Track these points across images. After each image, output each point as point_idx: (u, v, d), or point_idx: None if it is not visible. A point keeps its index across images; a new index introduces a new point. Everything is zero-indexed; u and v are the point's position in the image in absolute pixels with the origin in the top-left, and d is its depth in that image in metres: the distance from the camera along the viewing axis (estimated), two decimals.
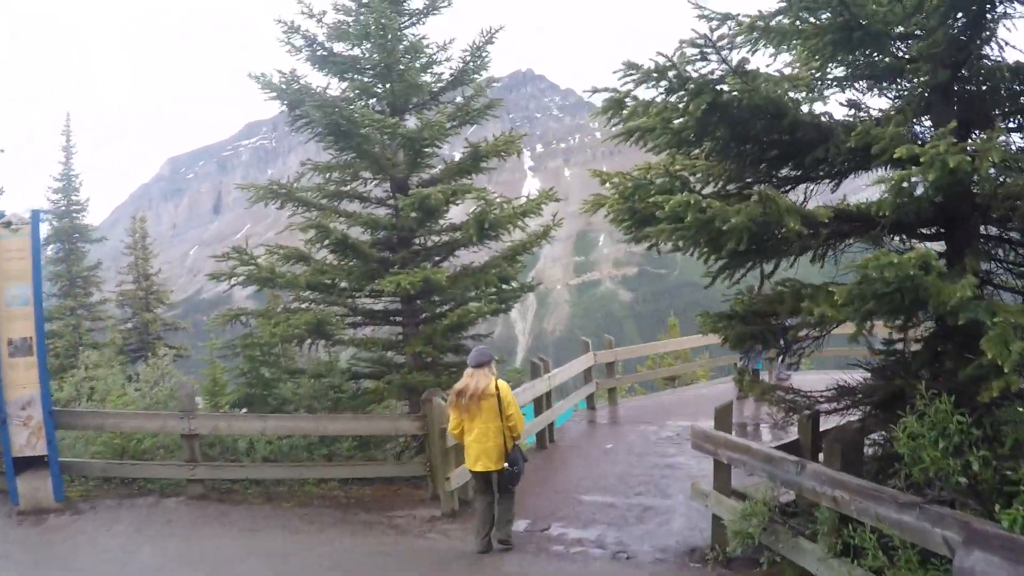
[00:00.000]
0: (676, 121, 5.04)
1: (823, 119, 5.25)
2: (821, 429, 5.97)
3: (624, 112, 5.18)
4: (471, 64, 10.07)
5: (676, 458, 9.44)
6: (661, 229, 4.98)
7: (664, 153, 5.72)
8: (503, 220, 8.68)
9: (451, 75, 10.23)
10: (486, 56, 10.15)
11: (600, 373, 13.29)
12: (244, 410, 10.60)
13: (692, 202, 4.60)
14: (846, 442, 4.98)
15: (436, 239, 10.22)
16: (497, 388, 6.22)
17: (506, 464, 6.19)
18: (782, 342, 6.11)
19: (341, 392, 10.79)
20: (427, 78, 10.38)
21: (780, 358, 13.56)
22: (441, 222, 10.13)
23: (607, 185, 6.00)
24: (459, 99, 10.33)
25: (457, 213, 10.74)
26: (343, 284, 9.82)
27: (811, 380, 13.31)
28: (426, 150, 9.56)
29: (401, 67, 9.68)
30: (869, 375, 6.15)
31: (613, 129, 5.58)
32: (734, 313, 5.98)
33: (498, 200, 8.51)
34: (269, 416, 9.04)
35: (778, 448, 5.99)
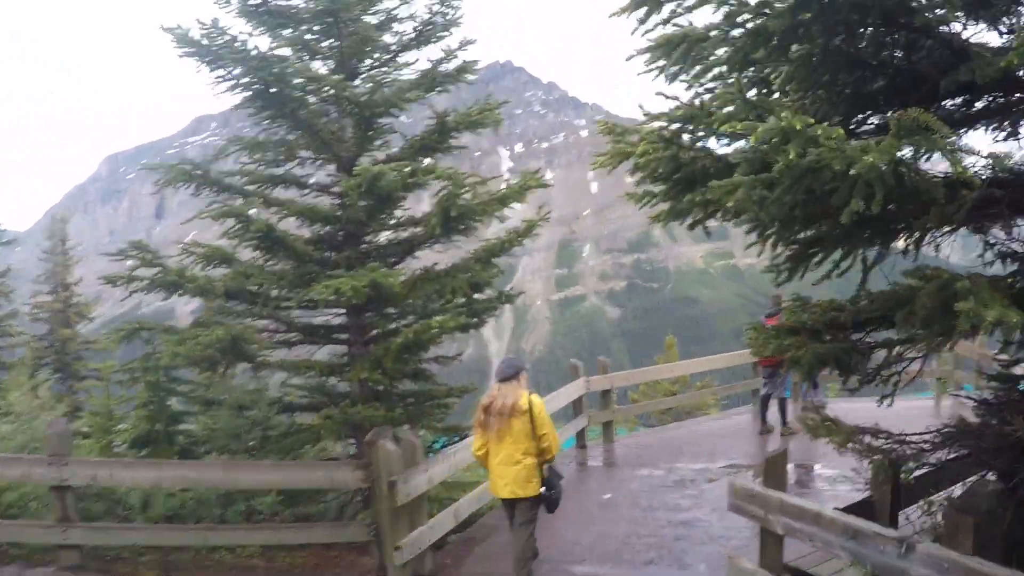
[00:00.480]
0: (746, 21, 3.70)
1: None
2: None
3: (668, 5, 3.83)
4: (439, 17, 8.75)
5: (692, 513, 8.17)
6: (725, 187, 3.61)
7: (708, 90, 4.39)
8: (476, 209, 7.30)
9: (414, 31, 8.90)
10: (457, 9, 8.86)
11: (592, 403, 11.95)
12: (144, 452, 9.22)
13: (798, 127, 3.16)
14: (980, 513, 3.72)
15: (392, 235, 8.88)
16: (530, 404, 5.83)
17: (543, 489, 5.88)
18: (869, 366, 4.86)
19: (270, 428, 9.42)
20: (387, 38, 9.08)
21: (806, 383, 12.34)
22: (399, 214, 8.80)
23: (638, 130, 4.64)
24: (425, 63, 9.02)
25: (422, 207, 9.40)
26: (274, 291, 8.41)
27: (866, 411, 12.37)
28: (380, 121, 8.24)
29: (351, 19, 8.35)
30: (982, 411, 4.88)
31: (646, 36, 4.22)
32: (802, 326, 4.67)
33: (469, 180, 7.12)
34: (165, 463, 7.61)
35: (844, 510, 4.74)
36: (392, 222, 8.68)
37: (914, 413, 12.00)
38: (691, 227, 4.95)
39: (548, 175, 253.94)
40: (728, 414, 14.37)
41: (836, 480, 8.67)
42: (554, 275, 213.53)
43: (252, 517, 8.24)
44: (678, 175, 4.29)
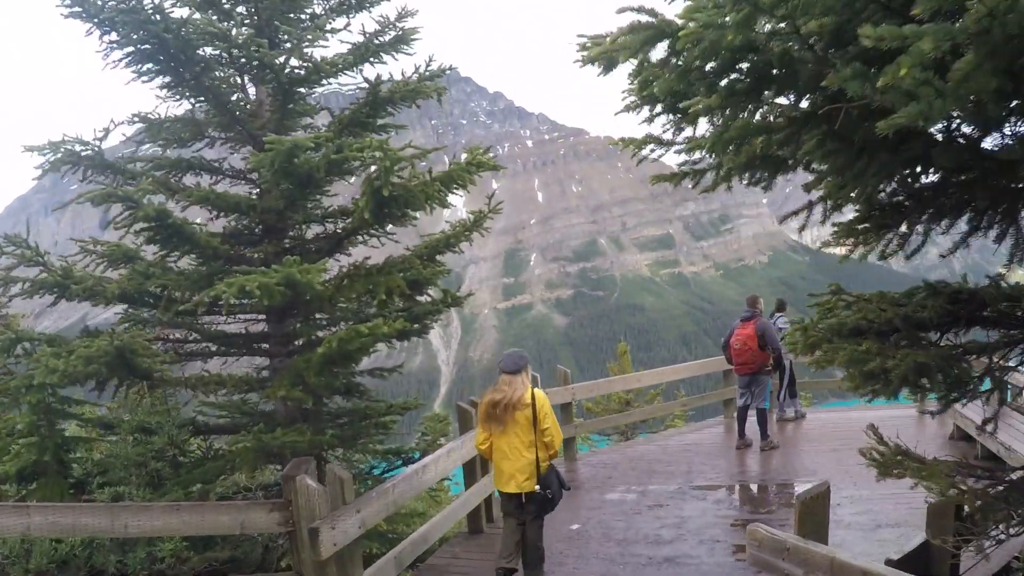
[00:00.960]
0: None
1: None
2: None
3: None
4: None
5: (676, 546, 6.90)
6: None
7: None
8: (415, 192, 6.01)
9: None
10: None
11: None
12: (32, 487, 7.77)
13: None
14: None
15: (320, 230, 7.58)
16: (533, 398, 5.82)
17: (538, 487, 5.76)
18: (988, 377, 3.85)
19: (183, 455, 8.02)
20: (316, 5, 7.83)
21: (781, 392, 11.25)
22: (327, 203, 7.54)
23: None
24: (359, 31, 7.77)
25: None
26: (177, 294, 7.03)
27: (847, 421, 11.45)
28: (300, 90, 6.97)
29: None
30: None
31: None
32: (868, 326, 3.56)
33: (406, 153, 5.83)
34: (35, 507, 6.15)
35: (901, 564, 3.67)
36: (318, 212, 7.41)
37: (901, 423, 10.83)
38: (748, 172, 3.68)
39: (493, 185, 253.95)
40: (699, 427, 12.78)
41: (833, 504, 7.61)
42: (501, 284, 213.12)
43: (156, 567, 6.86)
44: (751, 63, 2.91)
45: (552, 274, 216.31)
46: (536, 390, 5.84)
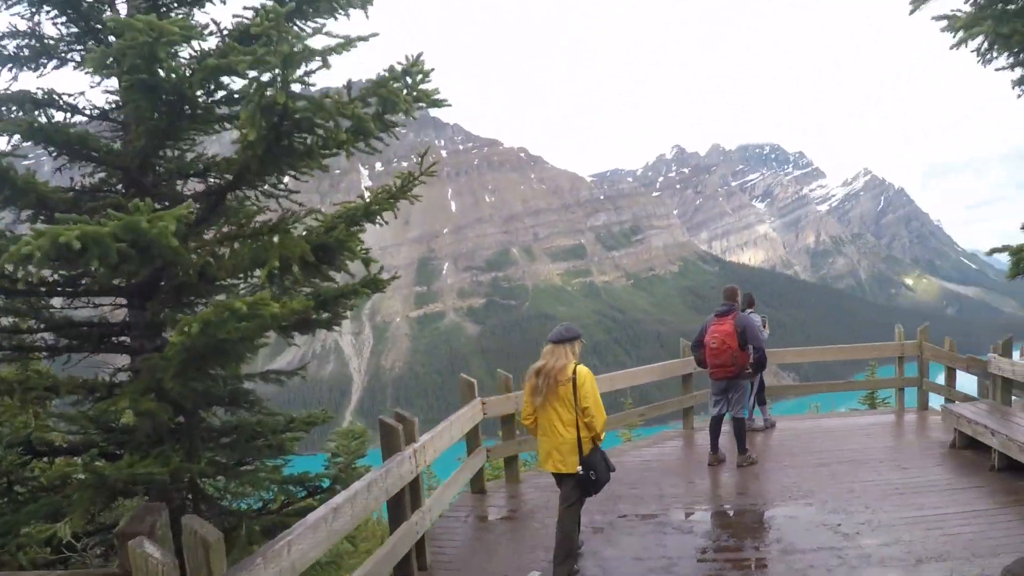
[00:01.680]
0: None
1: None
2: None
3: None
4: None
5: None
6: None
7: None
8: (330, 111, 4.16)
9: None
10: None
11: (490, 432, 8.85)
12: None
13: None
14: None
15: (200, 186, 5.66)
16: (575, 373, 5.42)
17: (580, 468, 5.40)
18: None
19: (18, 482, 5.95)
20: None
21: (752, 397, 9.68)
22: (211, 151, 5.66)
23: None
24: None
25: None
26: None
27: (823, 430, 10.17)
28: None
29: None
30: None
31: None
32: None
33: (320, 44, 4.04)
34: None
35: None
36: (199, 164, 5.51)
37: (885, 431, 10.05)
38: None
39: None
40: (656, 441, 10.63)
41: (851, 533, 6.13)
42: (414, 292, 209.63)
43: None
44: None
45: (464, 283, 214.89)
46: (580, 366, 5.46)
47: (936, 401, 11.09)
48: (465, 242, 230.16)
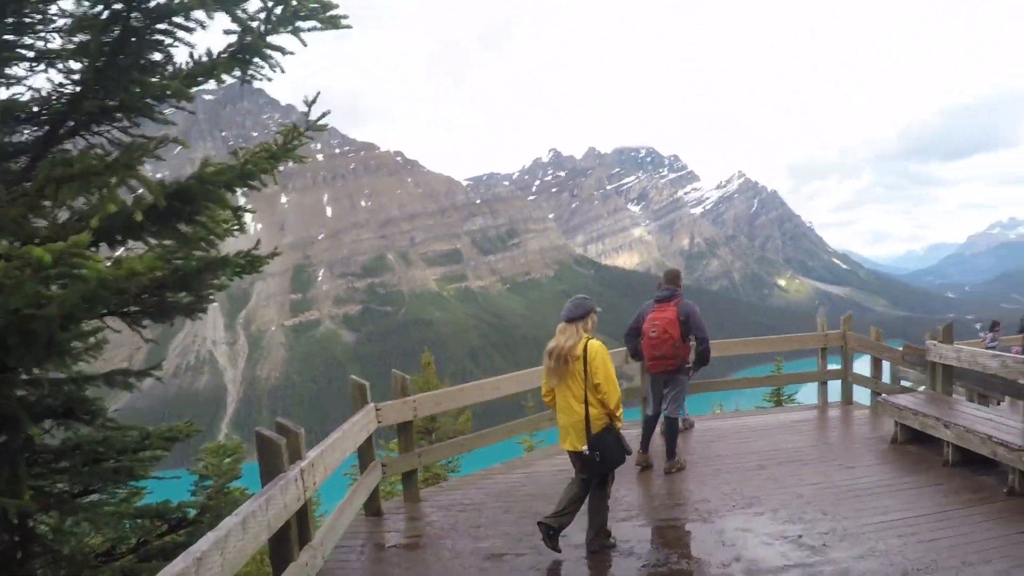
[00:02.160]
0: None
1: None
2: None
3: None
4: None
5: None
6: None
7: None
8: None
9: None
10: None
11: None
12: None
13: None
14: None
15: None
16: (585, 349, 5.36)
17: (585, 448, 5.32)
18: None
19: None
20: None
21: (671, 392, 8.18)
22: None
23: None
24: None
25: None
26: None
27: (749, 429, 9.52)
28: None
29: None
30: None
31: None
32: None
33: None
34: None
35: None
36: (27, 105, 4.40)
37: (813, 427, 9.53)
38: None
39: (283, 199, 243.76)
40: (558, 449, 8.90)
41: (815, 545, 5.44)
42: (289, 300, 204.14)
43: None
44: None
45: (340, 290, 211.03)
46: (592, 341, 5.40)
47: (861, 395, 10.79)
48: (341, 248, 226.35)
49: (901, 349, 9.89)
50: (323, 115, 5.07)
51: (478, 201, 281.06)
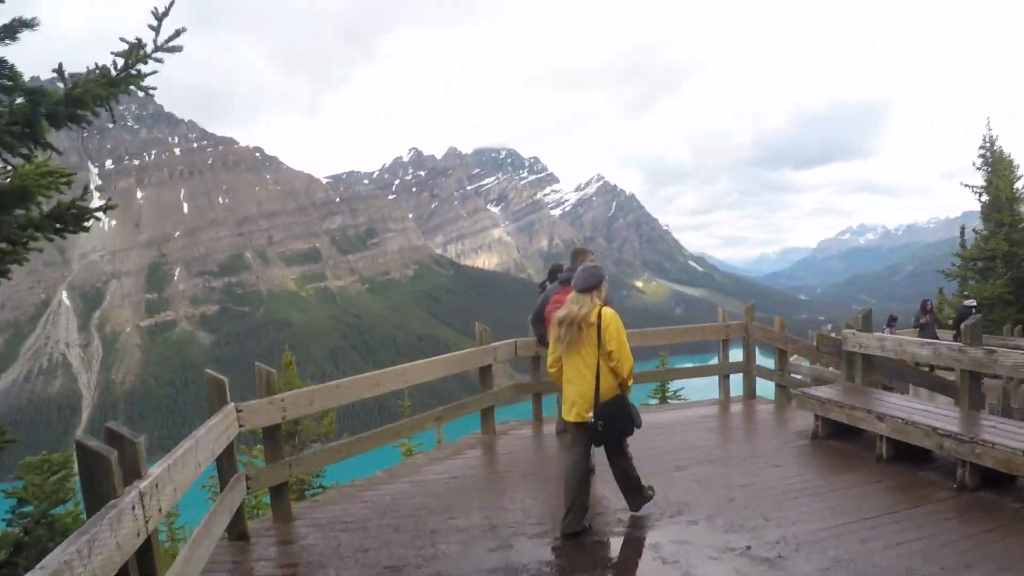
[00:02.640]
0: None
1: None
2: None
3: None
4: None
5: None
6: None
7: None
8: None
9: None
10: None
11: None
12: None
13: None
14: None
15: None
16: (600, 316, 5.35)
17: (591, 415, 5.26)
18: None
19: None
20: None
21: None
22: None
23: None
24: None
25: None
26: None
27: (663, 433, 8.92)
28: None
29: None
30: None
31: None
32: None
33: None
34: None
35: None
36: None
37: (717, 424, 9.63)
38: None
39: (139, 194, 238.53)
40: (454, 451, 8.65)
41: (770, 556, 4.90)
42: (144, 300, 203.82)
43: None
44: None
45: (197, 289, 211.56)
46: (606, 309, 5.38)
47: (764, 388, 10.67)
48: (198, 246, 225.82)
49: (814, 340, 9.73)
50: (176, 33, 4.80)
51: (337, 199, 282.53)
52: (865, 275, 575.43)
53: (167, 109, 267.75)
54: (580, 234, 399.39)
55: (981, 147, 26.90)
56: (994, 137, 26.80)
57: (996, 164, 26.44)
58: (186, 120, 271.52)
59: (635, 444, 6.44)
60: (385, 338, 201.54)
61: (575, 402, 5.43)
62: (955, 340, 10.34)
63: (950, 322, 20.79)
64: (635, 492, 5.78)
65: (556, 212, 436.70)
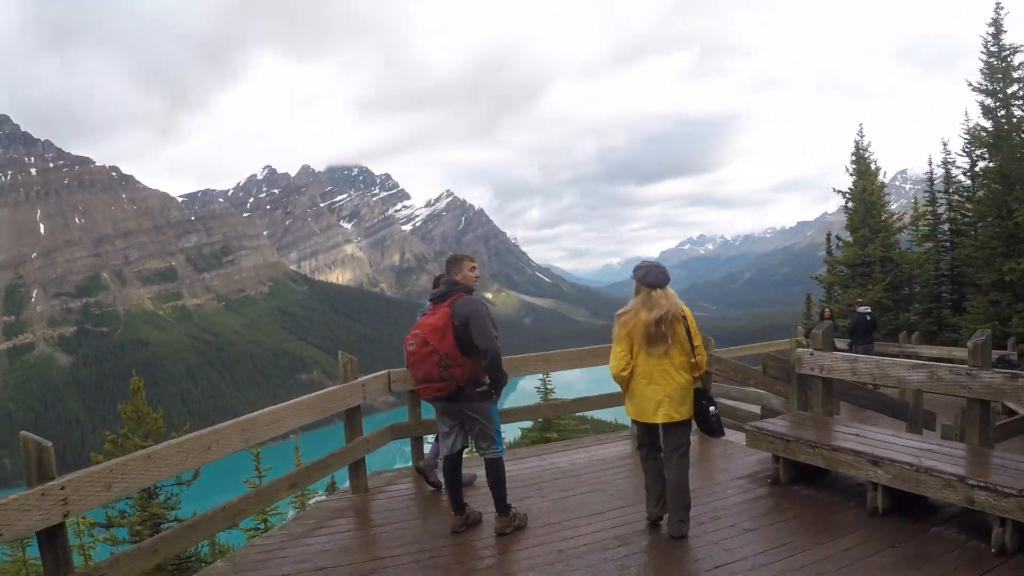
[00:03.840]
0: None
1: None
2: None
3: None
4: None
5: None
6: None
7: None
8: None
9: None
10: None
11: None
12: None
13: None
14: None
15: None
16: (684, 312, 5.05)
17: (712, 407, 5.16)
18: None
19: None
20: None
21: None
22: None
23: None
24: None
25: None
26: None
27: (550, 474, 7.04)
28: None
29: None
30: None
31: None
32: None
33: None
34: None
35: None
36: None
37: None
38: None
39: None
40: (328, 517, 6.18)
41: None
42: (1, 323, 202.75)
43: None
44: None
45: (55, 311, 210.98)
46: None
47: None
48: (55, 267, 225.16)
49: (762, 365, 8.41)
50: None
51: (193, 218, 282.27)
52: (705, 283, 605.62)
53: (24, 129, 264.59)
54: (431, 248, 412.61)
55: (853, 154, 27.18)
56: (866, 144, 27.03)
57: (863, 171, 26.63)
58: (42, 140, 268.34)
59: (547, 500, 5.87)
60: (242, 355, 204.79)
61: (661, 403, 4.98)
62: (850, 349, 10.39)
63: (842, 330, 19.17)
64: (684, 512, 5.07)
65: (407, 227, 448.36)
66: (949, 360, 14.73)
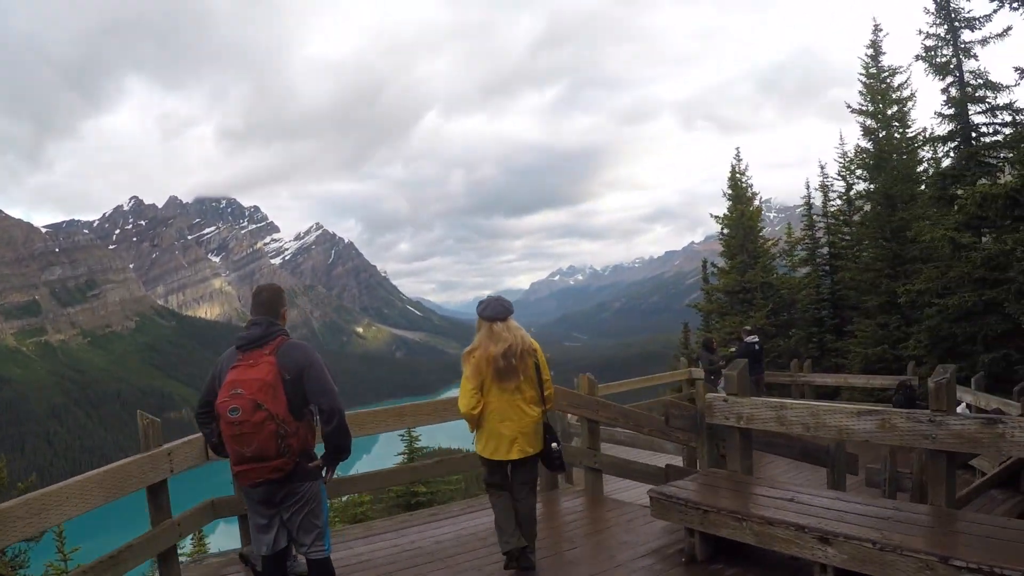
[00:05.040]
0: None
1: None
2: None
3: None
4: None
5: None
6: None
7: None
8: None
9: None
10: None
11: None
12: None
13: None
14: None
15: None
16: (533, 345, 4.95)
17: (555, 444, 5.07)
18: None
19: None
20: None
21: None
22: None
23: None
24: None
25: None
26: None
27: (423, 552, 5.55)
28: None
29: None
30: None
31: None
32: None
33: None
34: None
35: None
36: None
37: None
38: None
39: None
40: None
41: None
42: None
43: None
44: None
45: None
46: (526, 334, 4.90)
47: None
48: None
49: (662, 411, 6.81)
50: None
51: (57, 250, 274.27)
52: (575, 313, 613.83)
53: None
54: (300, 282, 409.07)
55: (729, 178, 26.41)
56: (742, 168, 26.40)
57: (740, 196, 25.89)
58: None
59: None
60: (109, 393, 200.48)
61: (515, 439, 4.82)
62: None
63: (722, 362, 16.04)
64: (531, 541, 5.05)
65: (276, 261, 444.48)
66: (848, 388, 15.28)
